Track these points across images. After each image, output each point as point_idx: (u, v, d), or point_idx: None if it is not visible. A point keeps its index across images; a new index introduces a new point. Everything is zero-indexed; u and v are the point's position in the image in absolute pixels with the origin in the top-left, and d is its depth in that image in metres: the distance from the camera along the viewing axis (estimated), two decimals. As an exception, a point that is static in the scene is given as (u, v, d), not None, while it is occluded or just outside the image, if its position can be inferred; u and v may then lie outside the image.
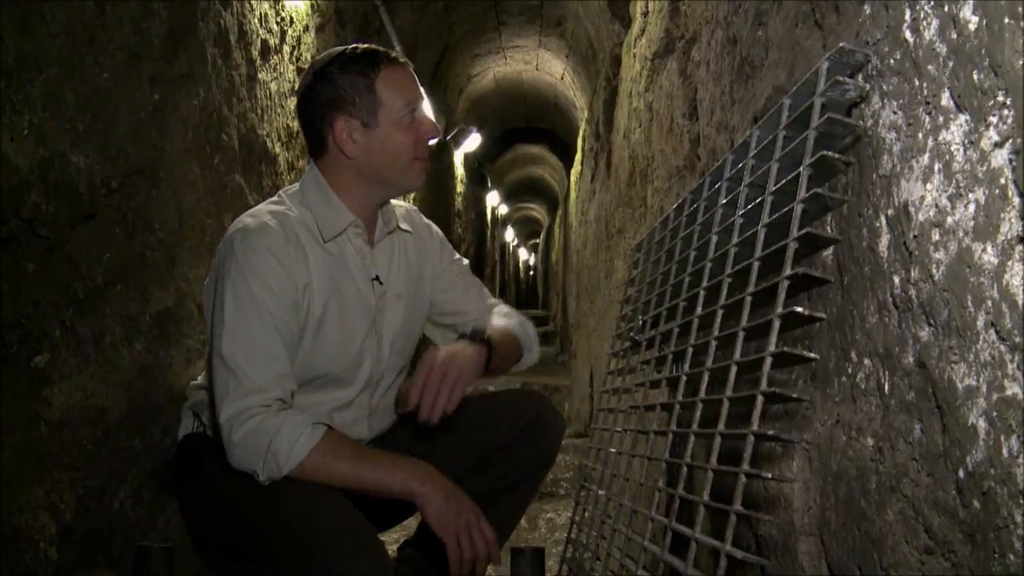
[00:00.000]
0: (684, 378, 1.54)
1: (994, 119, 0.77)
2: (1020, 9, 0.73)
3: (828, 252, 1.21)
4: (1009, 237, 0.75)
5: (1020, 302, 0.73)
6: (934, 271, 0.88)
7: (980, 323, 0.79)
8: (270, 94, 2.57)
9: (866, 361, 1.06)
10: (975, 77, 0.80)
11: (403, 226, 1.78)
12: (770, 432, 1.14)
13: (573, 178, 7.86)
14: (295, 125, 2.74)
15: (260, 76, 2.48)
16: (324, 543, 1.37)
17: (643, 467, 1.69)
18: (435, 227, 1.93)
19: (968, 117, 0.82)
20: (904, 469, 0.95)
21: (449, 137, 6.44)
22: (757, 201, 1.34)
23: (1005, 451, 0.74)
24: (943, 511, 0.86)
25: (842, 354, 1.14)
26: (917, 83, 0.93)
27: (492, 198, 12.17)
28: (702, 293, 1.55)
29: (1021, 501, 0.72)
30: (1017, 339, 0.73)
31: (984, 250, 0.78)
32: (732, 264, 1.41)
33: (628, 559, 1.67)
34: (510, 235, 20.08)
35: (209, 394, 1.56)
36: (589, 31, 5.28)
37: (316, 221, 1.61)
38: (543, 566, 1.65)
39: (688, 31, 2.26)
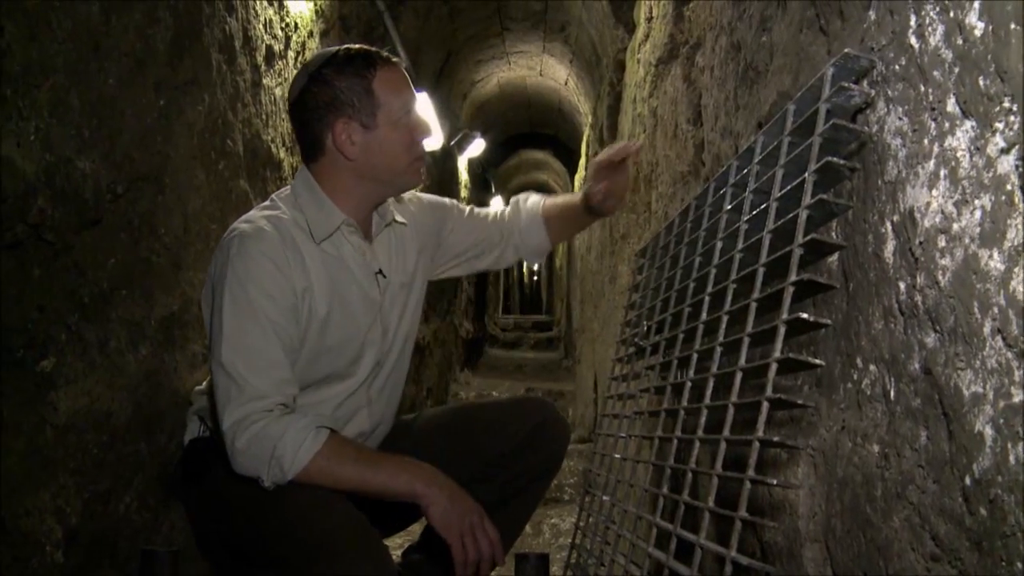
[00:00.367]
0: (689, 384, 1.54)
1: (1000, 125, 0.77)
2: (1026, 15, 0.73)
3: (833, 258, 1.21)
4: (1016, 244, 0.75)
5: (1027, 309, 0.73)
6: (940, 277, 0.88)
7: (987, 330, 0.79)
8: (275, 100, 2.57)
9: (872, 367, 1.06)
10: (981, 83, 0.80)
11: (399, 219, 1.79)
12: (775, 438, 1.14)
13: (577, 184, 7.86)
14: (299, 130, 2.75)
15: (265, 82, 2.49)
16: (328, 547, 1.37)
17: (648, 473, 1.69)
18: (425, 198, 1.92)
19: (974, 123, 0.82)
20: (910, 476, 0.94)
21: (453, 143, 6.44)
22: (762, 207, 1.33)
23: (1012, 458, 0.74)
24: (949, 518, 0.85)
25: (847, 360, 1.13)
26: (923, 89, 0.93)
27: (496, 203, 12.19)
28: (707, 299, 1.55)
29: (1028, 508, 0.72)
30: (1024, 346, 0.73)
31: (991, 256, 0.78)
32: (737, 270, 1.41)
33: (633, 565, 1.67)
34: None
35: (213, 400, 1.56)
36: (593, 36, 5.29)
37: (308, 222, 1.61)
38: (548, 572, 1.65)
39: (692, 36, 2.27)
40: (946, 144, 0.87)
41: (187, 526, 1.78)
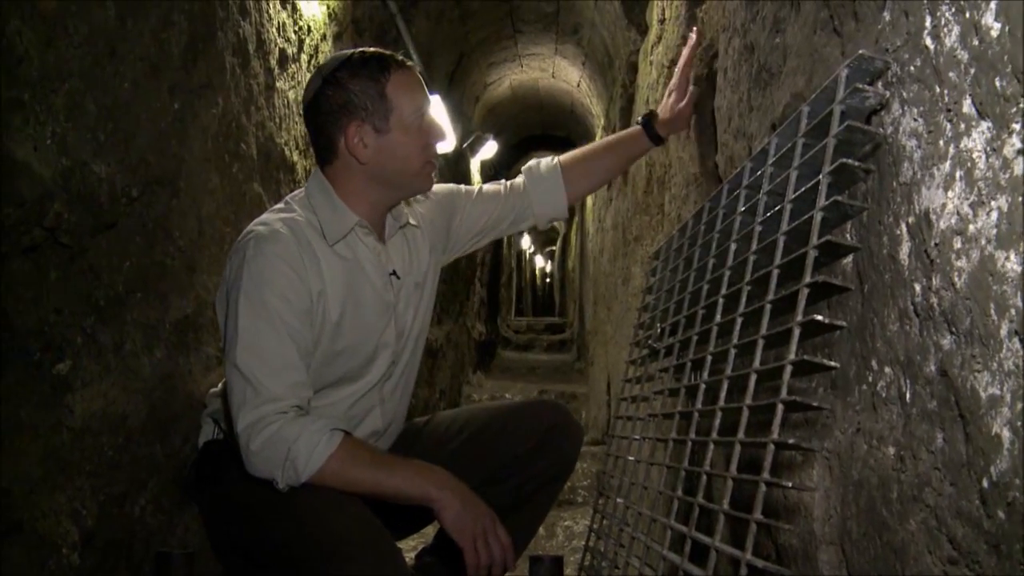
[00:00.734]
0: (703, 386, 1.53)
1: (1017, 126, 0.77)
2: (1043, 16, 0.73)
3: (848, 260, 1.20)
4: (1033, 245, 0.74)
5: (1044, 310, 0.72)
6: (956, 279, 0.87)
7: (1004, 331, 0.78)
8: (288, 103, 2.58)
9: (887, 369, 1.06)
10: (997, 84, 0.79)
11: (412, 221, 1.79)
12: (790, 441, 1.14)
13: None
14: (313, 133, 2.76)
15: (278, 85, 2.50)
16: (342, 549, 1.37)
17: (662, 475, 1.68)
18: (435, 192, 1.92)
19: (990, 124, 0.81)
20: (926, 478, 0.94)
21: (465, 145, 6.44)
22: (776, 209, 1.33)
23: (1030, 461, 0.74)
24: (967, 521, 0.85)
25: (863, 362, 1.13)
26: (938, 90, 0.92)
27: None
28: (721, 301, 1.54)
29: (1046, 511, 0.72)
30: (1041, 348, 0.73)
31: (1007, 258, 0.78)
32: (751, 272, 1.41)
33: (647, 567, 1.66)
34: (526, 242, 20.07)
35: (226, 402, 1.56)
36: (605, 38, 5.28)
37: (321, 225, 1.62)
38: (562, 574, 1.65)
39: (705, 38, 2.26)
40: (962, 145, 0.87)
41: (201, 528, 1.79)
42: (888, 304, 1.05)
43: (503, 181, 2.05)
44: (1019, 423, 0.76)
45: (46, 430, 1.36)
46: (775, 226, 1.32)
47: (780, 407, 1.13)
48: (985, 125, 0.82)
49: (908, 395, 0.99)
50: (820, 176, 1.15)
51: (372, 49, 1.65)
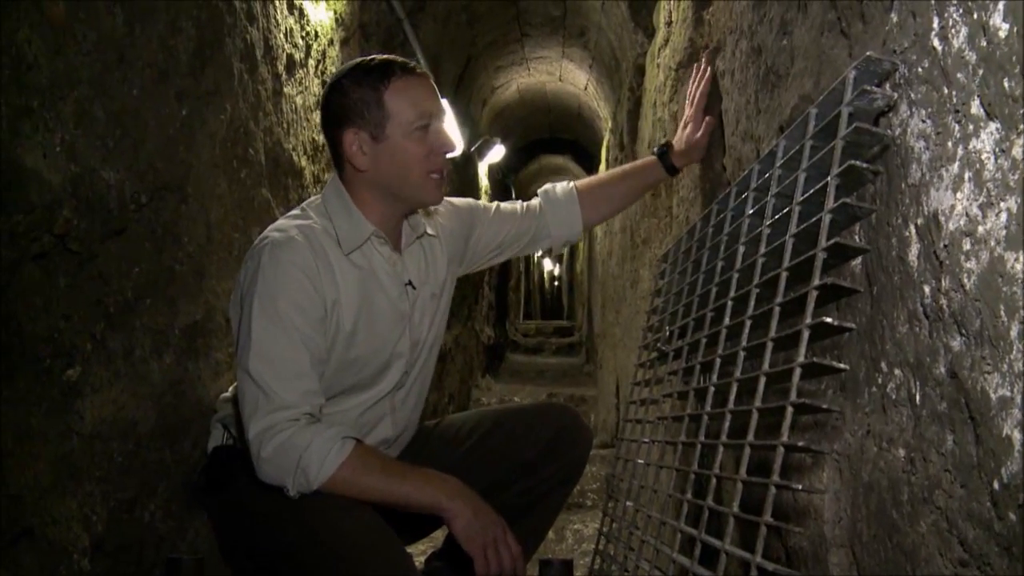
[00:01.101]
0: (712, 389, 1.53)
1: (1025, 127, 0.76)
2: (1051, 16, 0.73)
3: (857, 262, 1.20)
4: (1042, 246, 0.74)
5: (1055, 312, 0.72)
6: (965, 280, 0.87)
7: (1014, 333, 0.78)
8: (296, 108, 2.59)
9: (896, 371, 1.05)
10: (1006, 85, 0.79)
11: (430, 231, 1.78)
12: (800, 443, 1.13)
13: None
14: (320, 139, 2.77)
15: (286, 90, 2.50)
16: (352, 555, 1.37)
17: (671, 478, 1.68)
18: (453, 203, 1.92)
19: (999, 125, 0.81)
20: (937, 480, 0.93)
21: (473, 149, 6.45)
22: (784, 211, 1.33)
23: (1041, 463, 0.73)
24: (978, 523, 0.85)
25: (872, 364, 1.13)
26: (946, 91, 0.92)
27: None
28: (730, 303, 1.54)
29: (1058, 514, 0.71)
30: (1052, 349, 0.72)
31: (1017, 259, 0.77)
32: (760, 274, 1.40)
33: (657, 570, 1.66)
34: (534, 245, 20.01)
35: (237, 408, 1.57)
36: (612, 41, 5.28)
37: (336, 233, 1.61)
38: (571, 578, 1.65)
39: (712, 41, 2.26)
40: (970, 146, 0.87)
41: (211, 534, 1.79)
42: (897, 306, 1.05)
43: (519, 201, 2.05)
44: (1030, 425, 0.75)
45: (56, 436, 1.37)
46: (783, 228, 1.32)
47: (790, 409, 1.13)
48: (994, 126, 0.82)
49: (918, 397, 0.99)
50: (828, 178, 1.15)
51: (382, 56, 1.64)
